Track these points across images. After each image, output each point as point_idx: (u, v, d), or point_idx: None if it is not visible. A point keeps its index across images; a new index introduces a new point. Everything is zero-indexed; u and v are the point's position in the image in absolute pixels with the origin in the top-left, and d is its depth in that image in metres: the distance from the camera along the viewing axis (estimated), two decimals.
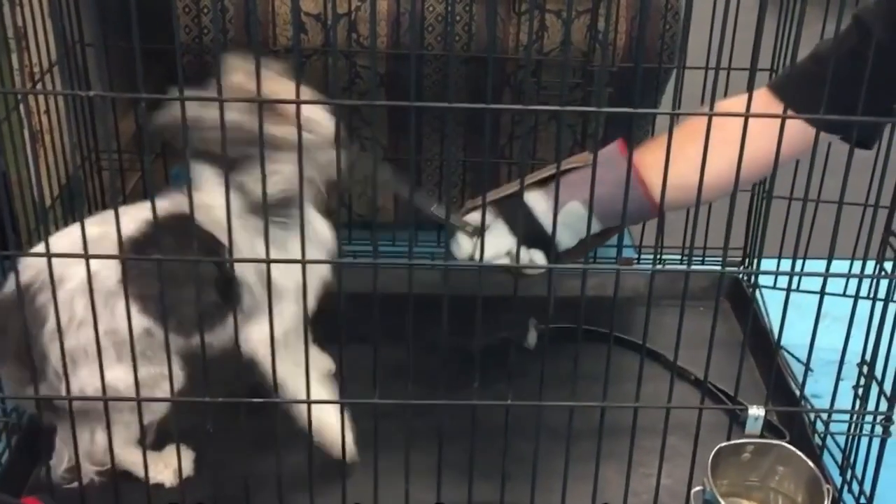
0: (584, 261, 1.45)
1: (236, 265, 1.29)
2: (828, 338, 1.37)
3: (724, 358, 1.37)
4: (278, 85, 1.21)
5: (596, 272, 1.68)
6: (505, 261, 1.35)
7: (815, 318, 1.32)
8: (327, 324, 1.20)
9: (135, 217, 1.30)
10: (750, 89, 1.13)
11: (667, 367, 1.55)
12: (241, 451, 1.26)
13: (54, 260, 1.19)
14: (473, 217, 1.42)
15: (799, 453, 1.34)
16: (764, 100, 1.37)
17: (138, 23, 1.03)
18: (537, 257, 1.38)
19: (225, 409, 1.23)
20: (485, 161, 1.39)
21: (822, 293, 1.34)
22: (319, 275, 1.37)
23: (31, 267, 1.30)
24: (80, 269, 1.22)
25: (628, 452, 1.29)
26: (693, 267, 1.22)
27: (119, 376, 1.29)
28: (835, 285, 1.49)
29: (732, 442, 1.34)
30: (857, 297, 1.35)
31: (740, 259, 1.97)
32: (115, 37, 1.90)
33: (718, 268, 1.21)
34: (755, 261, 1.90)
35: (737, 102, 1.18)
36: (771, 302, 1.83)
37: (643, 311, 1.25)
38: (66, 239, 1.29)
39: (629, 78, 1.83)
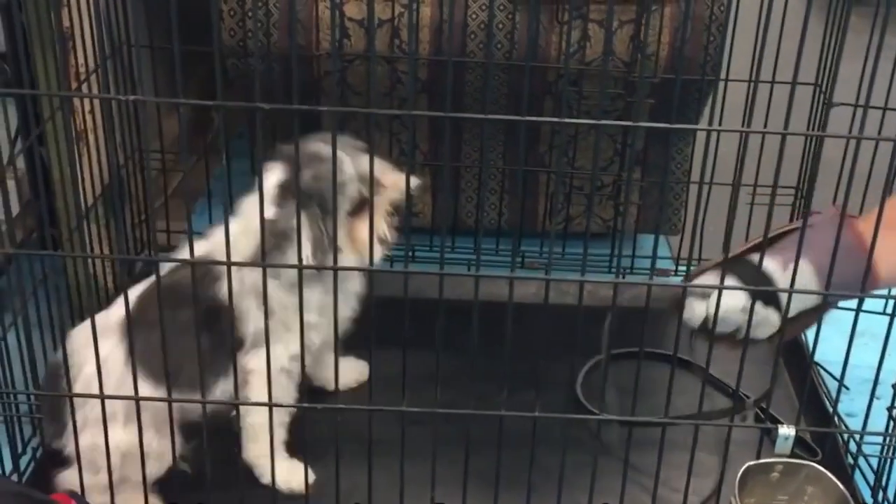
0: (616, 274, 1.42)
1: (238, 304, 1.35)
2: (865, 356, 1.36)
3: (760, 372, 1.36)
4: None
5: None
6: (739, 316, 1.33)
7: (850, 335, 1.31)
8: (358, 329, 1.20)
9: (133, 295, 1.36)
10: (790, 103, 1.11)
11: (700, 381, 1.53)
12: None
13: (76, 346, 1.35)
14: (703, 280, 1.39)
15: (829, 474, 1.32)
16: None
17: (186, 26, 1.04)
18: (772, 316, 1.36)
19: None
20: (518, 170, 1.38)
21: (858, 310, 1.32)
22: (343, 316, 1.40)
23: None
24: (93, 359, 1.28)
25: (656, 467, 1.28)
26: (726, 283, 1.21)
27: (122, 439, 1.33)
28: (874, 303, 1.47)
29: (761, 461, 1.33)
30: (893, 316, 1.33)
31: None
32: (162, 39, 1.93)
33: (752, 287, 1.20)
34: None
35: None
36: None
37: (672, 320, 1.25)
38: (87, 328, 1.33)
39: (671, 89, 1.81)
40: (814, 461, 1.37)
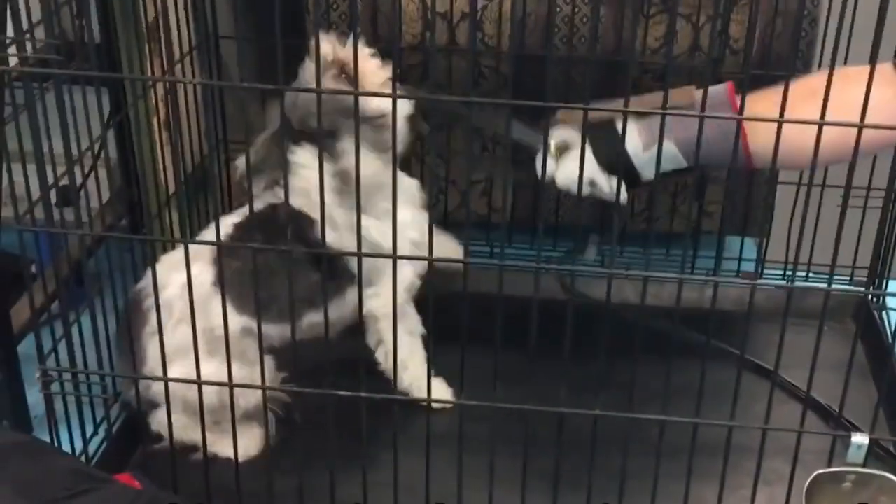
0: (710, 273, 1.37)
1: (336, 241, 1.34)
2: None
3: (838, 377, 1.30)
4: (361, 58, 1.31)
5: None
6: (585, 188, 1.31)
7: None
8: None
9: (228, 222, 1.41)
10: (867, 96, 1.06)
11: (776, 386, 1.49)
12: (326, 443, 1.27)
13: (158, 267, 1.30)
14: (559, 133, 1.39)
15: None
16: (887, 75, 1.28)
17: (279, 17, 1.04)
18: (615, 185, 1.33)
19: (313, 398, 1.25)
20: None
21: None
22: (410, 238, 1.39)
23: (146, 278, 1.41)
24: (179, 275, 1.29)
25: (720, 472, 1.24)
26: (797, 284, 1.17)
27: (210, 372, 1.31)
28: None
29: (832, 469, 1.28)
30: None
31: (871, 278, 1.87)
32: (250, 31, 1.95)
33: (824, 285, 1.16)
34: (885, 281, 1.81)
35: (860, 72, 1.08)
36: None
37: (763, 327, 1.20)
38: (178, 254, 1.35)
39: (759, 85, 1.76)
40: (890, 471, 1.31)
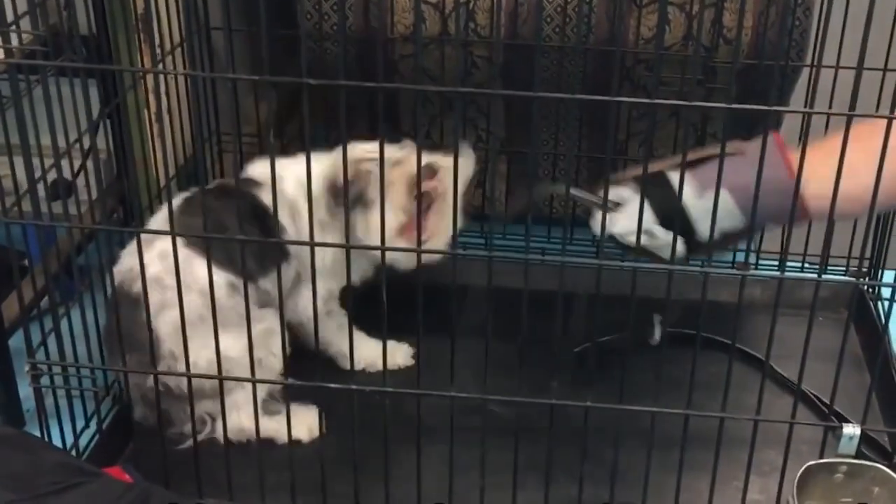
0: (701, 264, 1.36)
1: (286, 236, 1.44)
2: None
3: (830, 369, 1.30)
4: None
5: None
6: (642, 239, 1.31)
7: None
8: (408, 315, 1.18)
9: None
10: (856, 86, 1.06)
11: (771, 378, 1.48)
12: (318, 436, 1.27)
13: (133, 254, 1.32)
14: (617, 193, 1.38)
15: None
16: None
17: (267, 9, 1.04)
18: (670, 238, 1.33)
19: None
20: (569, 155, 1.34)
21: None
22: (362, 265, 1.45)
23: (118, 268, 1.43)
24: (154, 253, 1.36)
25: (713, 463, 1.23)
26: (788, 274, 1.16)
27: (228, 345, 1.31)
28: None
29: (824, 460, 1.28)
30: None
31: (861, 268, 1.86)
32: (241, 22, 1.95)
33: (815, 276, 1.15)
34: (880, 272, 1.81)
35: None
36: None
37: (760, 318, 1.19)
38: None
39: (754, 76, 1.75)
40: (884, 463, 1.31)
